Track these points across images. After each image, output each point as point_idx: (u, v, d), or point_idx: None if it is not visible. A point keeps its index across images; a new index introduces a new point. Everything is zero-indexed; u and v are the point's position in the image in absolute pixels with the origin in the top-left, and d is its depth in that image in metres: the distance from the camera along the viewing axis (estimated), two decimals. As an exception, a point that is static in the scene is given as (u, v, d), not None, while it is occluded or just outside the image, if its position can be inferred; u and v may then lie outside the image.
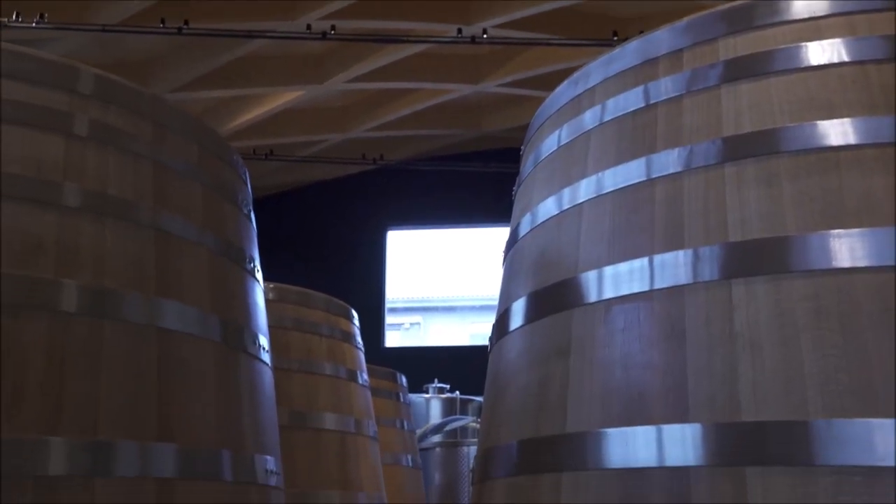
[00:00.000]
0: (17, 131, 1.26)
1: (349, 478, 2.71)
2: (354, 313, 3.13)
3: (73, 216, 1.26)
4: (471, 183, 10.99)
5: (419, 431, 5.38)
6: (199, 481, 1.27)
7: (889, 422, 0.86)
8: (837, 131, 1.01)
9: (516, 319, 1.33)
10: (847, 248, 0.95)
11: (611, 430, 1.05)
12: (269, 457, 1.48)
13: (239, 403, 1.43)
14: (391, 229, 11.90)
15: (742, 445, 0.94)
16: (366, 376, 3.06)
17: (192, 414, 1.30)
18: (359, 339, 3.11)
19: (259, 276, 1.69)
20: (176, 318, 1.32)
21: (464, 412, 6.90)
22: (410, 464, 4.09)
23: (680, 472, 0.97)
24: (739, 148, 1.08)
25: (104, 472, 1.13)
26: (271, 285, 2.72)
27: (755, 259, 1.01)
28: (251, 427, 1.45)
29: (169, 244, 1.38)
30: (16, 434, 1.08)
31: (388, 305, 11.76)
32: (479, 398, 6.50)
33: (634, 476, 1.01)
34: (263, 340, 1.59)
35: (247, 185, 1.77)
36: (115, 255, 1.28)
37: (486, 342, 1.51)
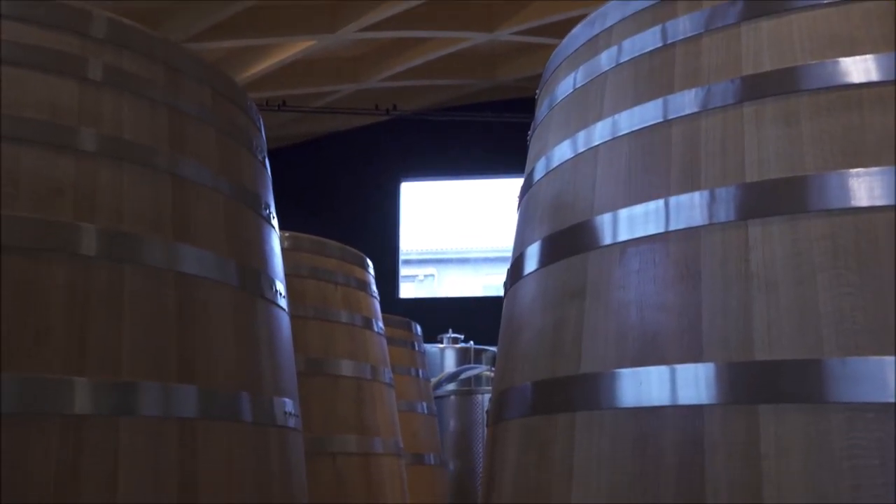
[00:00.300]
0: (29, 75, 1.26)
1: (366, 423, 2.76)
2: (369, 262, 3.14)
3: (90, 161, 1.26)
4: (485, 133, 10.91)
5: (434, 380, 5.44)
6: (220, 422, 1.30)
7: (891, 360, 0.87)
8: (860, 68, 1.00)
9: (531, 263, 1.33)
10: (866, 187, 0.94)
11: (625, 371, 1.06)
12: (287, 399, 1.51)
13: (257, 347, 1.45)
14: (405, 181, 11.87)
15: (755, 384, 0.94)
16: (381, 324, 3.09)
17: (212, 357, 1.33)
18: (374, 287, 3.13)
19: (274, 222, 1.69)
20: (194, 262, 1.33)
21: (478, 361, 6.97)
22: (425, 411, 4.15)
23: (693, 410, 0.98)
24: (759, 87, 1.06)
25: (128, 412, 1.16)
26: (286, 234, 2.73)
27: (772, 199, 1.00)
28: (269, 370, 1.48)
29: (185, 189, 1.39)
30: (40, 373, 1.10)
31: (402, 257, 11.80)
32: (493, 348, 6.56)
33: (648, 414, 1.02)
34: (280, 286, 1.60)
35: (261, 131, 1.76)
36: (132, 200, 1.29)
37: (499, 293, 1.52)
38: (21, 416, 1.07)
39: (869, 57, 1.00)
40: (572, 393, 1.13)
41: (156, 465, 1.18)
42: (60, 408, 1.10)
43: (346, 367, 2.74)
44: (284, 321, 1.62)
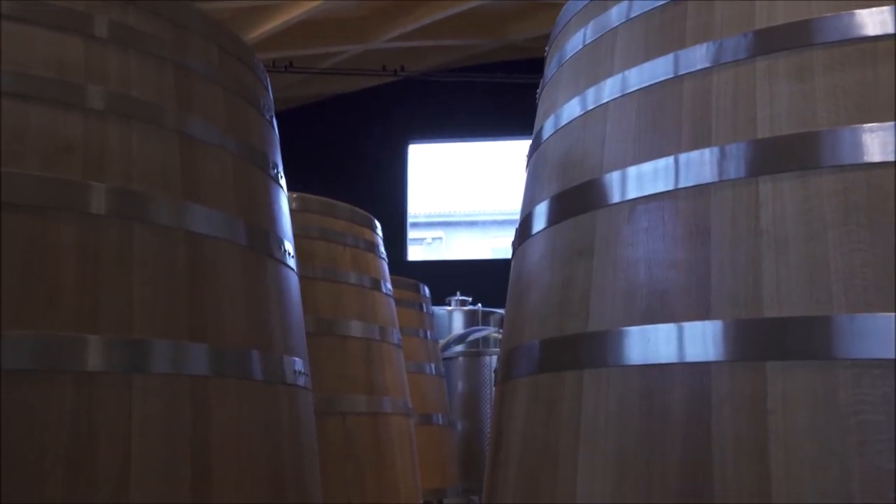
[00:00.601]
0: (36, 32, 1.25)
1: (375, 383, 2.79)
2: (377, 223, 3.14)
3: (98, 118, 1.26)
4: (494, 95, 10.81)
5: (442, 342, 5.48)
6: (231, 379, 1.31)
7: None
8: (876, 20, 0.98)
9: (539, 222, 1.33)
10: (879, 143, 0.93)
11: (632, 328, 1.06)
12: (297, 358, 1.53)
13: (266, 306, 1.46)
14: (413, 143, 11.82)
15: (763, 341, 0.94)
16: (389, 286, 3.10)
17: (222, 315, 1.34)
18: (382, 249, 3.13)
19: (282, 182, 1.69)
20: (203, 221, 1.34)
21: (486, 324, 6.99)
22: (434, 372, 4.19)
23: (700, 367, 0.99)
24: (772, 41, 1.05)
25: (140, 369, 1.17)
26: (294, 195, 2.73)
27: (783, 155, 0.99)
28: (279, 329, 1.49)
29: (193, 148, 1.38)
30: (53, 331, 1.12)
31: (410, 220, 11.79)
32: (501, 310, 6.58)
33: (655, 372, 1.03)
34: (289, 246, 1.61)
35: (268, 90, 1.75)
36: (140, 159, 1.29)
37: (507, 256, 1.52)
38: (36, 372, 1.09)
39: (886, 9, 0.98)
40: (580, 351, 1.13)
41: (168, 421, 1.19)
42: (74, 365, 1.12)
43: (355, 328, 2.76)
44: (293, 281, 1.63)
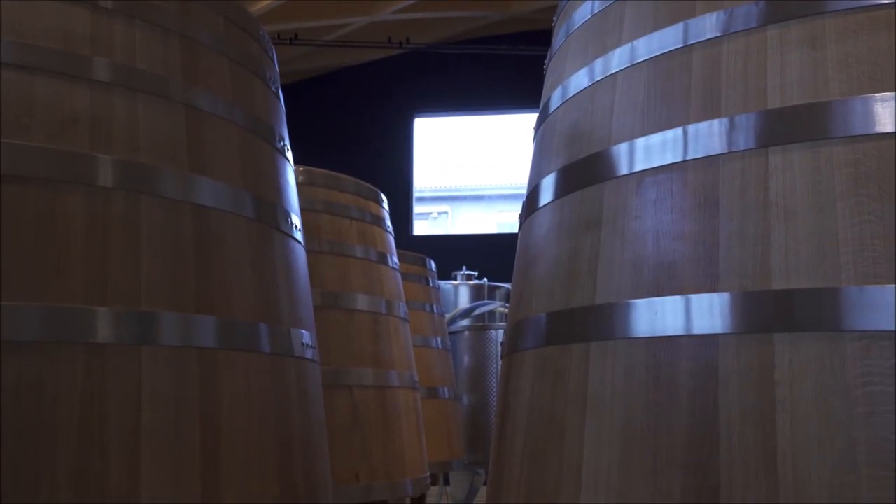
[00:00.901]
0: (41, 2, 1.24)
1: (381, 357, 2.80)
2: (384, 197, 3.14)
3: (104, 90, 1.26)
4: (500, 67, 10.74)
5: (448, 316, 5.49)
6: (239, 352, 1.32)
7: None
8: (889, -12, 0.96)
9: (546, 195, 1.32)
10: (891, 112, 0.92)
11: (640, 301, 1.06)
12: (304, 331, 1.53)
13: (274, 278, 1.47)
14: (418, 117, 11.77)
15: (771, 313, 0.94)
16: (395, 259, 3.10)
17: (229, 288, 1.34)
18: (388, 222, 3.13)
19: (289, 154, 1.69)
20: (210, 194, 1.34)
21: (491, 298, 7.01)
22: (440, 346, 4.20)
23: (708, 339, 0.98)
24: (783, 9, 1.03)
25: (150, 341, 1.18)
26: (300, 168, 2.73)
27: (794, 126, 0.98)
28: (286, 302, 1.49)
29: (200, 120, 1.38)
30: (63, 301, 1.12)
31: (415, 195, 11.78)
32: (507, 284, 6.58)
33: (662, 344, 1.03)
34: (295, 219, 1.61)
35: (274, 61, 1.74)
36: (147, 131, 1.29)
37: (513, 230, 1.52)
38: (46, 344, 1.09)
39: (899, -24, 0.97)
40: (587, 323, 1.13)
41: (178, 392, 1.20)
42: (84, 337, 1.12)
43: (362, 302, 2.77)
44: (300, 254, 1.63)
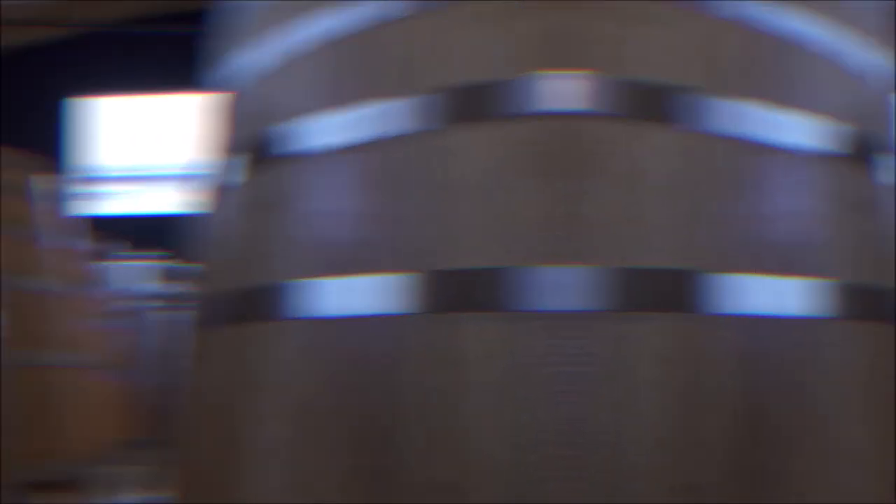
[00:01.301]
0: None
1: (45, 336, 2.53)
2: (31, 163, 2.75)
3: None
4: (156, 48, 10.21)
5: (133, 296, 5.14)
6: None
7: (590, 269, 0.89)
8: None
9: (229, 175, 1.22)
10: (573, 90, 0.93)
11: (322, 280, 1.00)
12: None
13: None
14: (81, 97, 10.90)
15: (455, 293, 0.92)
16: (56, 235, 2.77)
17: None
18: (37, 193, 2.77)
19: None
20: None
21: (179, 279, 6.69)
22: (118, 326, 3.89)
23: (391, 320, 0.94)
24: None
25: None
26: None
27: (476, 104, 0.96)
28: None
29: None
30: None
31: (93, 175, 10.89)
32: (194, 266, 6.31)
33: (343, 324, 0.98)
34: None
35: None
36: None
37: (201, 210, 1.40)
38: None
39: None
40: (266, 302, 1.06)
41: None
42: None
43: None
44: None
